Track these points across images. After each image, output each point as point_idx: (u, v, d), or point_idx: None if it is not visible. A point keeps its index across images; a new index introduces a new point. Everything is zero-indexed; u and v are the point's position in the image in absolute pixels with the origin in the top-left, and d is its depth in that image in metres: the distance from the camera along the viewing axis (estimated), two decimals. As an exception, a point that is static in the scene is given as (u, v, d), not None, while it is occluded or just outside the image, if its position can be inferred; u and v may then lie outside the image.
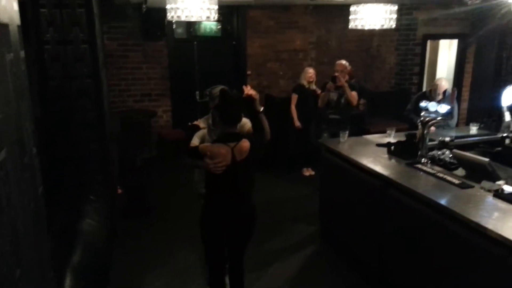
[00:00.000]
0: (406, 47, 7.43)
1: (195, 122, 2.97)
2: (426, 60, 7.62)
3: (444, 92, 4.68)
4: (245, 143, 2.65)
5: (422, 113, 3.58)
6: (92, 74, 3.41)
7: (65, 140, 3.43)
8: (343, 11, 6.06)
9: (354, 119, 5.48)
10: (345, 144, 4.06)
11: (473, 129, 4.46)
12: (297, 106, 5.76)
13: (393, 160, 3.56)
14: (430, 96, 4.68)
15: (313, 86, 5.78)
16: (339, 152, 3.86)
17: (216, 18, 3.66)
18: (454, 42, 7.80)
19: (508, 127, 4.09)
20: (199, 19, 3.62)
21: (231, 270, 2.99)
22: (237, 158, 2.62)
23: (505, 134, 3.98)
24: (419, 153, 3.47)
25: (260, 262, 3.72)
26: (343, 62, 5.24)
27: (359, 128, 5.74)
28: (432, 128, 3.78)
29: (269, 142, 2.83)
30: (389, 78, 7.74)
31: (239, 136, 2.70)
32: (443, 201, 2.68)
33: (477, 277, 2.39)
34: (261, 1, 6.24)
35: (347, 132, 4.21)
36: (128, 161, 4.96)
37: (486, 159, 3.03)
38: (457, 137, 4.04)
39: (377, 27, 4.16)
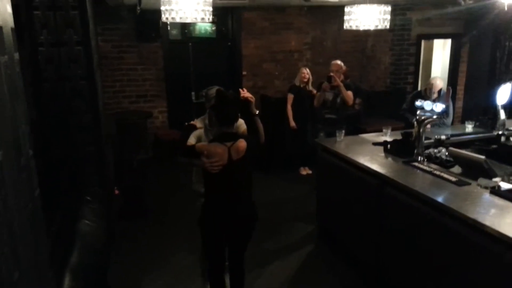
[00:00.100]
0: (400, 47, 7.47)
1: (192, 122, 2.98)
2: (420, 60, 7.67)
3: (439, 91, 4.71)
4: (242, 143, 2.66)
5: (418, 112, 3.60)
6: (87, 76, 3.40)
7: (61, 142, 3.42)
8: (338, 12, 6.09)
9: (350, 119, 5.50)
10: (342, 144, 4.07)
11: (469, 127, 4.49)
12: (293, 106, 5.77)
13: (389, 159, 3.57)
14: (425, 95, 4.70)
15: (309, 87, 5.80)
16: (335, 151, 3.87)
17: (210, 19, 3.66)
18: (448, 42, 7.85)
19: (503, 125, 4.12)
20: (193, 21, 3.61)
21: (231, 269, 2.99)
22: (234, 158, 2.63)
23: (500, 132, 4.00)
24: (415, 151, 3.49)
25: (258, 262, 3.71)
26: (338, 62, 5.26)
27: (355, 128, 5.76)
28: (428, 126, 3.79)
29: (263, 145, 2.86)
30: (384, 78, 7.78)
31: (235, 136, 2.72)
32: (440, 199, 2.69)
33: (475, 273, 2.39)
34: (256, 3, 6.24)
35: (343, 131, 4.22)
36: (124, 162, 4.94)
37: (482, 157, 3.04)
38: (453, 135, 4.06)
39: (371, 27, 4.19)
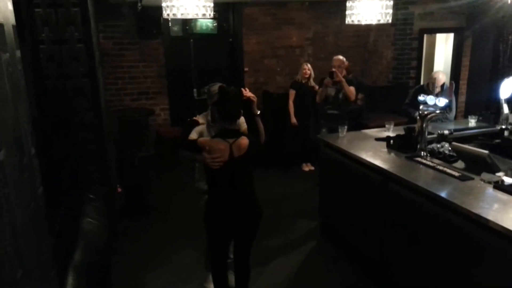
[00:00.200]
0: (403, 41, 7.44)
1: (194, 118, 2.99)
2: (423, 54, 7.63)
3: (442, 85, 4.69)
4: (244, 140, 2.66)
5: (421, 107, 3.58)
6: (88, 74, 3.39)
7: (62, 140, 3.42)
8: (339, 7, 6.06)
9: (352, 114, 5.49)
10: (344, 139, 4.06)
11: (472, 122, 4.47)
12: (295, 102, 5.76)
13: (392, 154, 3.56)
14: (427, 90, 4.69)
15: (312, 83, 5.78)
16: (338, 147, 3.86)
17: (212, 15, 3.64)
18: (451, 36, 7.81)
19: (507, 119, 4.10)
20: (195, 17, 3.60)
21: (236, 265, 3.00)
22: (235, 155, 2.63)
23: (503, 126, 3.98)
24: (418, 146, 3.47)
25: (261, 258, 3.71)
26: (340, 57, 5.23)
27: (358, 123, 5.75)
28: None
29: (263, 145, 2.88)
30: (386, 72, 7.75)
31: (238, 133, 2.72)
32: (443, 194, 2.68)
33: (478, 268, 2.39)
34: (257, -2, 6.23)
35: (345, 127, 4.21)
36: (126, 160, 4.95)
37: (486, 151, 3.03)
38: (456, 130, 4.04)
39: (373, 22, 4.15)
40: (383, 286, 3.34)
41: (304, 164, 6.07)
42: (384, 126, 4.30)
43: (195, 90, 6.64)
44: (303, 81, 5.76)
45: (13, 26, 1.35)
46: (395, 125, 4.28)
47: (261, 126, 2.83)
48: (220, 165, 2.60)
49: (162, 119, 6.85)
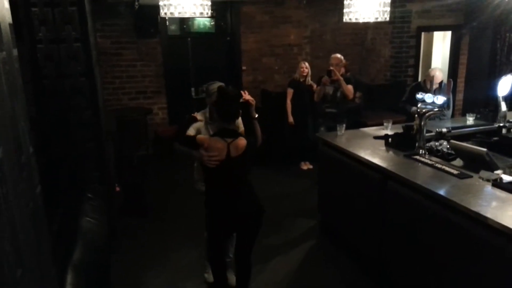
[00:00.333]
0: (400, 39, 7.44)
1: (193, 115, 3.01)
2: (420, 52, 7.64)
3: (440, 83, 4.69)
4: (242, 141, 2.68)
5: (419, 105, 3.58)
6: (86, 73, 3.38)
7: (61, 139, 3.41)
8: (337, 5, 6.07)
9: (350, 112, 5.49)
10: (343, 138, 4.06)
11: (470, 120, 4.47)
12: (293, 101, 5.75)
13: (391, 152, 3.56)
14: (424, 87, 4.69)
15: (309, 81, 5.78)
16: (336, 145, 3.86)
17: (209, 14, 3.64)
18: (448, 34, 7.82)
19: (505, 117, 4.11)
20: (192, 15, 3.60)
21: (237, 263, 3.00)
22: (232, 154, 2.64)
23: (501, 124, 3.99)
24: (416, 144, 3.47)
25: (261, 256, 3.71)
26: (338, 55, 5.23)
27: (356, 121, 5.75)
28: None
29: (260, 146, 2.91)
30: (384, 70, 7.76)
31: (236, 133, 2.73)
32: (442, 192, 2.68)
33: (477, 266, 2.39)
34: (254, -4, 6.22)
35: (344, 125, 4.21)
36: (124, 159, 4.94)
37: (484, 149, 3.03)
38: (454, 128, 4.04)
39: (371, 20, 4.15)
40: (382, 284, 3.35)
41: (302, 163, 6.06)
42: (382, 124, 4.30)
43: (193, 89, 6.64)
44: (301, 80, 5.76)
45: (10, 24, 1.34)
46: (393, 123, 4.28)
47: (258, 129, 2.87)
48: (217, 164, 2.61)
49: (160, 118, 6.85)
